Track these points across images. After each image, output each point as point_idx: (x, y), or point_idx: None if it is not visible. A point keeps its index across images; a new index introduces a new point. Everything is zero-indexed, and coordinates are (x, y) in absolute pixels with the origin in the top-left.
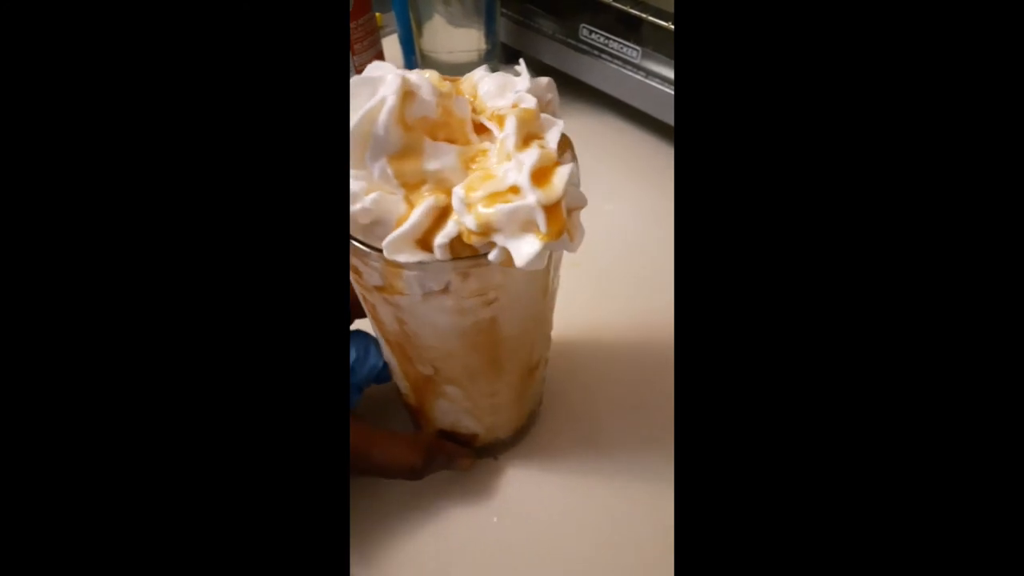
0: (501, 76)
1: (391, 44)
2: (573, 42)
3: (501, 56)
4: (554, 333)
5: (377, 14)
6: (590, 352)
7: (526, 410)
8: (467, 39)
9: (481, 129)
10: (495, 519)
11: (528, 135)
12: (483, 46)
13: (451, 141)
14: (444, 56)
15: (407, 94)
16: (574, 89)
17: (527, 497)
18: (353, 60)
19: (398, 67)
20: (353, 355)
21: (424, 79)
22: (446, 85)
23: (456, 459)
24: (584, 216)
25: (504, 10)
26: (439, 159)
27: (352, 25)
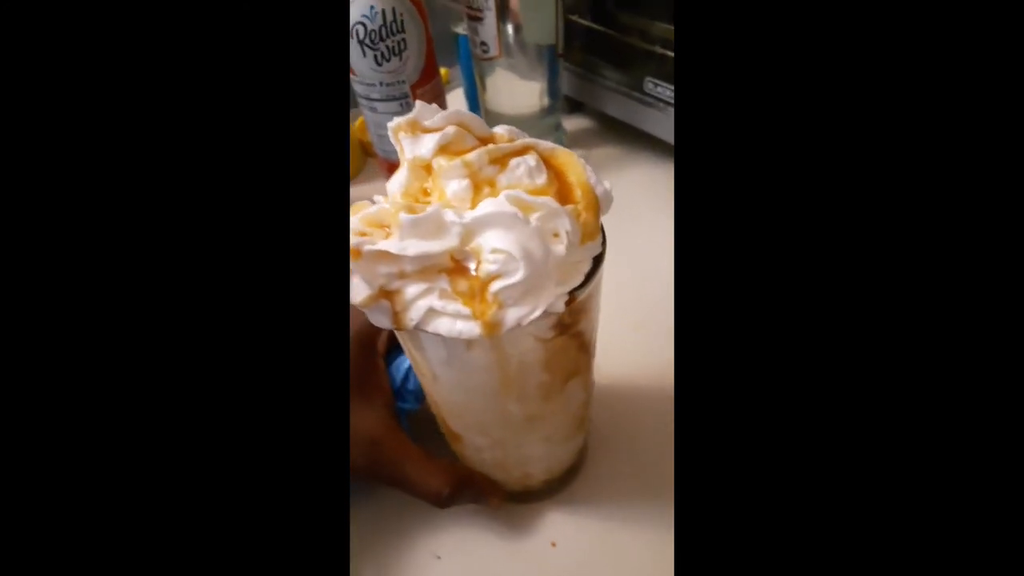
0: (499, 218)
1: (457, 98)
2: (638, 94)
3: (565, 108)
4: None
5: (443, 69)
6: (638, 395)
7: (522, 471)
8: (529, 94)
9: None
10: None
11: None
12: (545, 101)
13: (426, 194)
14: (507, 110)
15: (412, 123)
16: (638, 140)
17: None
18: None
19: None
20: (408, 363)
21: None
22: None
23: (486, 495)
24: (645, 267)
25: (567, 64)
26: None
27: (419, 91)
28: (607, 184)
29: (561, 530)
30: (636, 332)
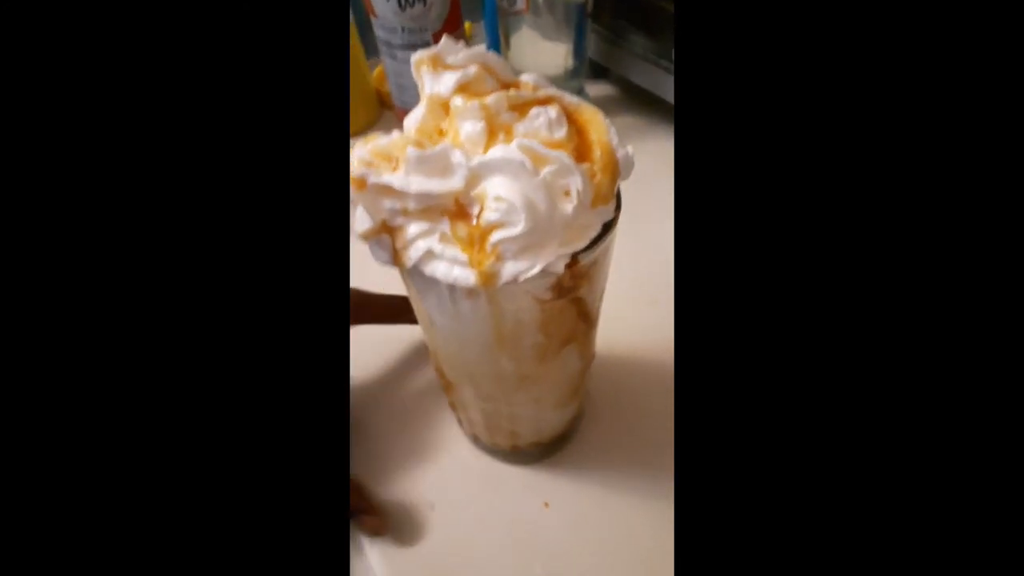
0: (506, 164)
1: None
2: (665, 63)
3: (588, 73)
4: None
5: (467, 23)
6: (636, 363)
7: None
8: (554, 54)
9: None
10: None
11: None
12: (570, 63)
13: (441, 134)
14: (530, 69)
15: (435, 58)
16: (661, 110)
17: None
18: None
19: None
20: None
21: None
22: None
23: (366, 518)
24: (659, 240)
25: (595, 25)
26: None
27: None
28: (630, 149)
29: (554, 492)
30: (647, 305)
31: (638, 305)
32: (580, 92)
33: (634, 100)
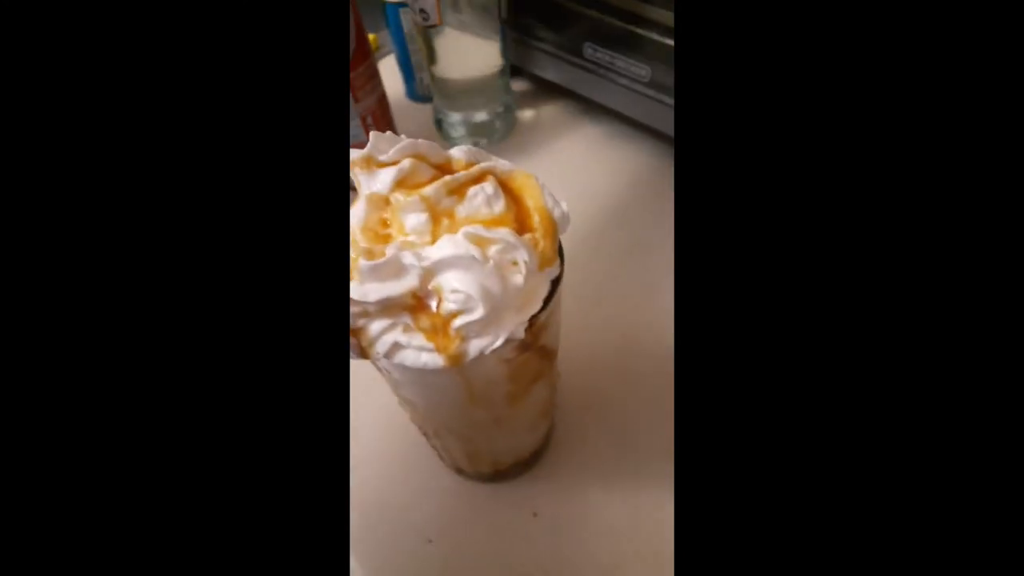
0: (457, 260)
1: (388, 66)
2: (578, 60)
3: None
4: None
5: (372, 35)
6: (607, 373)
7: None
8: (483, 56)
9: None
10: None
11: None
12: (500, 61)
13: (385, 225)
14: (457, 74)
15: (367, 159)
16: (582, 105)
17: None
18: (355, 108)
19: (399, 93)
20: None
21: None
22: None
23: None
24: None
25: (505, 25)
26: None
27: (352, 75)
28: (564, 206)
29: (541, 501)
30: (592, 305)
31: (584, 305)
32: (508, 91)
33: (550, 93)
